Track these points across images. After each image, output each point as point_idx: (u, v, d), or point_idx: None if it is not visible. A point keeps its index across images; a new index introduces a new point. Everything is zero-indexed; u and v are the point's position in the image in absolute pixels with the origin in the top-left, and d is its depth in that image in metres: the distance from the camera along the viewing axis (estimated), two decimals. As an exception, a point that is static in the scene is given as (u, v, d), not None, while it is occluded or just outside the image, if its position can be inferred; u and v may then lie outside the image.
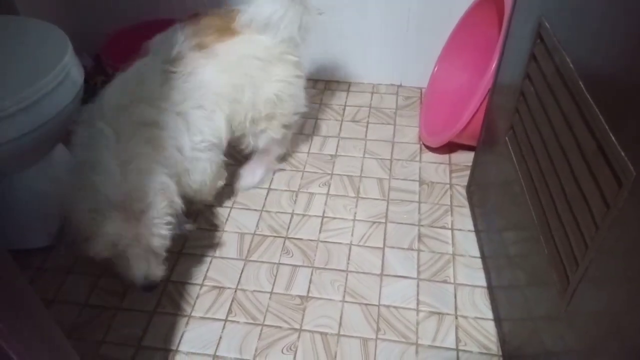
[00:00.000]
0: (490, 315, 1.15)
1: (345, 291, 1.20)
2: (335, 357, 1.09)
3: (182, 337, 1.13)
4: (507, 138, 1.05)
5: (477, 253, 1.27)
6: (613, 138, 0.65)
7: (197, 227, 1.35)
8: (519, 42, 1.00)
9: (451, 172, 1.50)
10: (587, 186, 0.72)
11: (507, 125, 1.05)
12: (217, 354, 1.10)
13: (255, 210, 1.40)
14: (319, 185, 1.47)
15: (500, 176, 1.12)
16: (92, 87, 1.74)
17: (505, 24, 1.11)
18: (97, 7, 1.78)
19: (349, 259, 1.27)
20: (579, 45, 0.76)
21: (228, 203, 1.42)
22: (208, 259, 1.28)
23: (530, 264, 0.94)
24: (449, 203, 1.40)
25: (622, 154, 0.63)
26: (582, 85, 0.73)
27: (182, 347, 1.11)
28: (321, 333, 1.13)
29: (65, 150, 1.30)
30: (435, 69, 1.65)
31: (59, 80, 1.08)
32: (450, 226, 1.34)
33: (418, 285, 1.21)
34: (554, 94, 0.83)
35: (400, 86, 1.82)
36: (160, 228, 0.98)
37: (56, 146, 1.26)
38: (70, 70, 1.13)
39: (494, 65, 1.22)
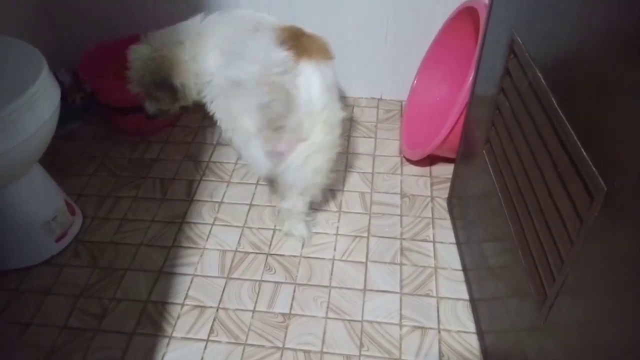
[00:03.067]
0: (472, 328, 1.15)
1: (328, 307, 1.20)
2: (319, 374, 1.08)
3: (162, 358, 1.11)
4: (484, 151, 1.06)
5: (458, 266, 1.27)
6: (584, 153, 0.65)
7: (178, 245, 1.34)
8: (494, 57, 1.01)
9: (432, 184, 1.50)
10: (561, 200, 0.72)
11: (484, 138, 1.06)
12: (198, 374, 1.08)
13: (237, 226, 1.39)
14: (301, 200, 1.46)
15: (479, 189, 1.13)
16: (70, 104, 1.73)
17: (480, 38, 1.12)
18: (75, 24, 1.77)
19: (331, 274, 1.27)
20: (550, 59, 0.77)
21: (209, 219, 1.41)
22: (189, 278, 1.27)
23: (510, 276, 0.94)
24: (430, 216, 1.41)
25: (593, 169, 0.63)
26: (553, 100, 0.74)
27: (162, 369, 1.10)
28: (304, 351, 1.12)
29: (42, 170, 1.29)
30: (415, 82, 1.66)
31: (33, 100, 1.07)
32: (432, 239, 1.34)
33: (401, 300, 1.21)
34: (527, 109, 0.84)
35: (380, 99, 1.83)
36: None
37: (33, 166, 1.24)
38: (46, 89, 1.12)
39: (470, 78, 1.23)
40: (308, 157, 1.20)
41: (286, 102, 1.15)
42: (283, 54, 1.14)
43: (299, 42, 1.18)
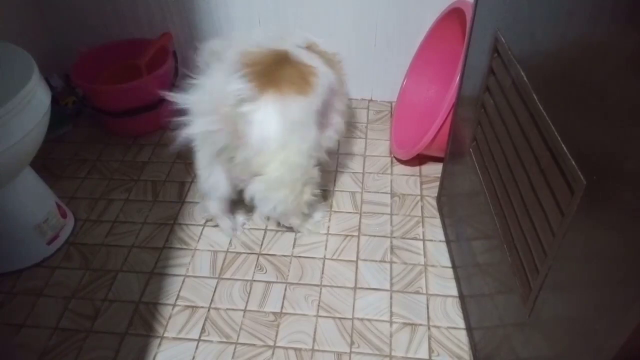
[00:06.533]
0: (462, 324, 1.16)
1: (319, 306, 1.21)
2: (310, 372, 1.09)
3: (154, 358, 1.11)
4: (471, 149, 1.08)
5: (448, 263, 1.29)
6: (565, 148, 0.67)
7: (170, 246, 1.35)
8: (479, 56, 1.03)
9: (422, 183, 1.52)
10: (544, 195, 0.74)
11: (470, 137, 1.08)
12: (190, 374, 1.09)
13: (228, 227, 1.40)
14: (292, 201, 1.47)
15: (466, 187, 1.14)
16: (62, 109, 1.73)
17: (466, 38, 1.14)
18: (67, 28, 1.77)
19: (322, 273, 1.28)
20: (531, 58, 0.79)
21: (200, 221, 1.42)
22: (180, 278, 1.27)
23: (497, 272, 0.96)
24: (420, 214, 1.42)
25: (573, 163, 0.65)
26: (535, 98, 0.76)
27: (155, 369, 1.10)
28: (295, 349, 1.13)
29: (33, 173, 1.29)
30: (404, 83, 1.68)
31: (23, 104, 1.08)
32: (421, 237, 1.36)
33: (391, 297, 1.22)
34: (511, 106, 0.86)
35: (371, 100, 1.84)
36: None
37: (24, 169, 1.24)
38: (35, 93, 1.12)
39: (457, 78, 1.25)
40: (266, 191, 1.18)
41: (234, 135, 1.08)
42: (238, 86, 1.05)
43: (271, 72, 1.11)
